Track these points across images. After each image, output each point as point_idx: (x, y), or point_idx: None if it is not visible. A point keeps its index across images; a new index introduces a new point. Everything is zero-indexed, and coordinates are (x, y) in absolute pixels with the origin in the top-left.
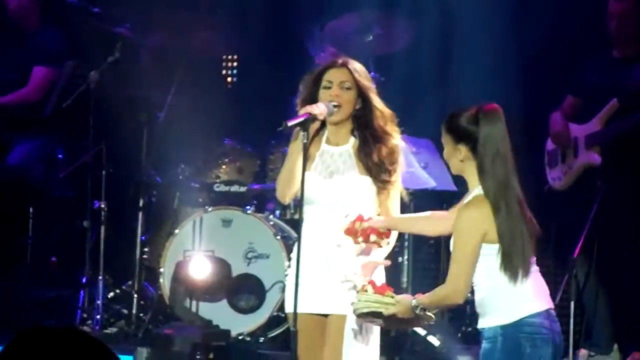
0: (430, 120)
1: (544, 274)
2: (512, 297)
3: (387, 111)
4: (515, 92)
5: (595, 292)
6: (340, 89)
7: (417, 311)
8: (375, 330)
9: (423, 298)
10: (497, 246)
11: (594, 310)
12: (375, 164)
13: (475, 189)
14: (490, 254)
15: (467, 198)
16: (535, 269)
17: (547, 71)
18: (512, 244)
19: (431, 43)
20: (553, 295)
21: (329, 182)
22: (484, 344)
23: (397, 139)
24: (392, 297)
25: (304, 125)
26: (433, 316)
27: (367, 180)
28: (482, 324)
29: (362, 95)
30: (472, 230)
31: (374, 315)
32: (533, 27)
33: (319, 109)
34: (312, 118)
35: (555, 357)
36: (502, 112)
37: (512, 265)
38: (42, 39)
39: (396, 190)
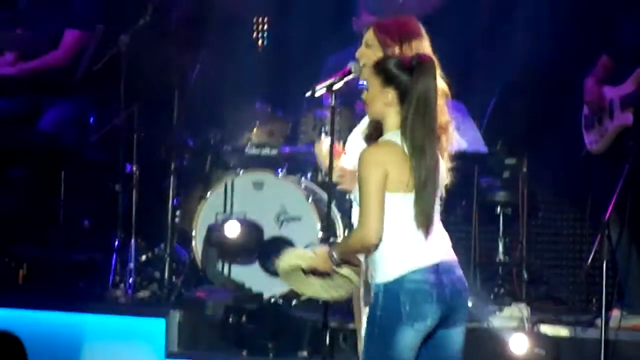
0: (463, 83)
1: (580, 235)
2: (400, 252)
3: None
4: (550, 54)
5: (628, 252)
6: (364, 47)
7: (334, 259)
8: None
9: (338, 245)
10: (394, 196)
11: (627, 270)
12: None
13: (388, 134)
14: (389, 205)
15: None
16: (436, 219)
17: (582, 31)
18: (423, 193)
19: (462, 4)
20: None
21: (360, 144)
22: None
23: None
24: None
25: (330, 88)
26: (353, 279)
27: None
28: (371, 279)
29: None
30: (374, 167)
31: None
32: None
33: (344, 70)
34: (339, 80)
35: (446, 311)
36: (435, 65)
37: (418, 216)
38: (72, 2)
39: None
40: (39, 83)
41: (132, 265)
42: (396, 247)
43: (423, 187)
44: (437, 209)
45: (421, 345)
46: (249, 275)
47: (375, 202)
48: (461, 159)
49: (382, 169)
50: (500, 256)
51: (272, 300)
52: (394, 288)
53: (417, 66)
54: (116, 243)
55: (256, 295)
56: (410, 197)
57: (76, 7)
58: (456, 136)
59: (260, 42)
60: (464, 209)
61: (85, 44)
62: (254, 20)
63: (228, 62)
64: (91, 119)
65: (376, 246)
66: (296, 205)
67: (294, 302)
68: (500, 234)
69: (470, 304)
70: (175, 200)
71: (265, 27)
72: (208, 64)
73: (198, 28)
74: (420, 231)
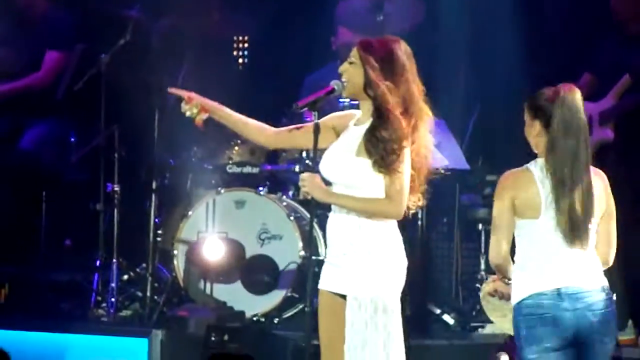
0: (444, 100)
1: None
2: (523, 277)
3: (383, 86)
4: (531, 70)
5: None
6: (347, 64)
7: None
8: (394, 311)
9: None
10: (524, 222)
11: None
12: (373, 147)
13: (534, 160)
14: (520, 229)
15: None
16: (568, 245)
17: (563, 50)
18: (559, 218)
19: (442, 23)
20: None
21: (333, 161)
22: None
23: (398, 120)
24: None
25: (313, 105)
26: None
27: (363, 162)
28: None
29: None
30: (501, 194)
31: None
32: (547, 5)
33: (327, 88)
34: (322, 97)
35: (572, 335)
36: (579, 92)
37: (545, 240)
38: (52, 22)
39: (396, 176)
40: (20, 103)
41: (114, 284)
42: (520, 271)
43: (557, 211)
44: (590, 234)
45: None
46: (231, 294)
47: (497, 227)
48: (442, 176)
49: (508, 196)
50: (482, 273)
51: (254, 318)
52: (515, 313)
53: (558, 95)
54: (98, 263)
55: (238, 313)
56: (535, 222)
57: (56, 27)
58: (437, 153)
59: (240, 60)
60: (445, 226)
61: (66, 64)
62: (234, 39)
63: (208, 81)
64: (72, 139)
65: (506, 269)
66: (278, 223)
67: (276, 321)
68: (482, 250)
69: (452, 322)
70: (156, 219)
71: (246, 45)
72: (188, 82)
73: (178, 47)
74: (543, 257)
